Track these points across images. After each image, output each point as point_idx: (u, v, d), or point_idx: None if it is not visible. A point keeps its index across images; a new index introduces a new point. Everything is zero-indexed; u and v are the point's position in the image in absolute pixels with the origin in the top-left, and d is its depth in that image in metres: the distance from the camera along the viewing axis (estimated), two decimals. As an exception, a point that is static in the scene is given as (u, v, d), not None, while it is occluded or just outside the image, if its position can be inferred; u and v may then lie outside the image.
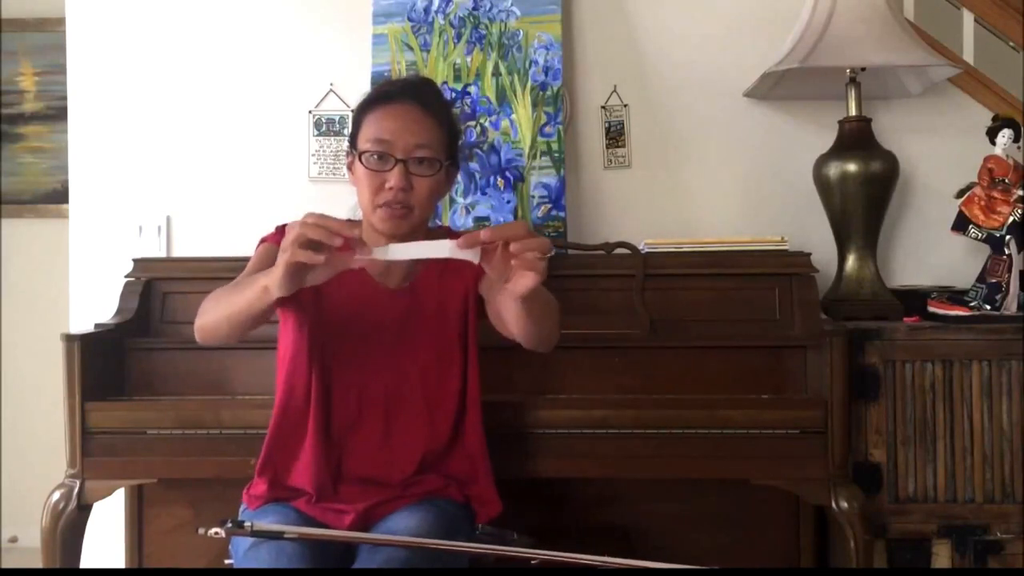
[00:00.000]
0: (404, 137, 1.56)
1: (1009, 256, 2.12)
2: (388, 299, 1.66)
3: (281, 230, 1.66)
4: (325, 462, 1.62)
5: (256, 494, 1.66)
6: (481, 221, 2.28)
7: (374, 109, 1.60)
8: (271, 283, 1.39)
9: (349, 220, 1.40)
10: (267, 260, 1.59)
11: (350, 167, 1.64)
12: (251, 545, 1.53)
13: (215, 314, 1.55)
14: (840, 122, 2.29)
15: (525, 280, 1.33)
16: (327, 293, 1.64)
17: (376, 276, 1.67)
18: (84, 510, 1.94)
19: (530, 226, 1.38)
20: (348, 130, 2.39)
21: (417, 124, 1.58)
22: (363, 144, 1.58)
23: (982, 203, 2.16)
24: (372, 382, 1.63)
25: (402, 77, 1.71)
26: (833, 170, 2.26)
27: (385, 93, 1.63)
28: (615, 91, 2.45)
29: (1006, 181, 2.14)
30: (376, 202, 1.57)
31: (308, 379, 1.63)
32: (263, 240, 1.68)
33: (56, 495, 1.93)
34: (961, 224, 2.18)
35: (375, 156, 1.56)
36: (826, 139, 2.32)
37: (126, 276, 2.19)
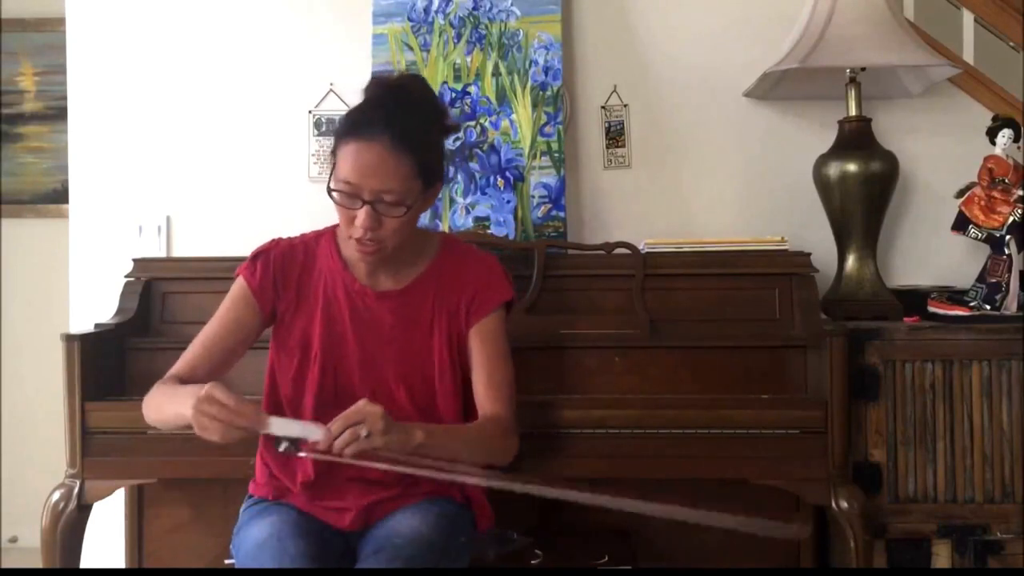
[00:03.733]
0: (370, 181, 1.52)
1: (1009, 256, 2.12)
2: (376, 302, 1.66)
3: (255, 259, 1.67)
4: (315, 464, 1.62)
5: (262, 482, 1.68)
6: (481, 221, 2.28)
7: (345, 141, 1.55)
8: (190, 422, 1.43)
9: (244, 402, 1.42)
10: (239, 299, 1.66)
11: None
12: (252, 545, 1.54)
13: (153, 415, 1.59)
14: (840, 122, 2.29)
15: None
16: (311, 293, 1.66)
17: (363, 279, 1.67)
18: (84, 510, 1.94)
19: (363, 407, 1.45)
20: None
21: (383, 166, 1.52)
22: (335, 178, 1.55)
23: (982, 203, 2.16)
24: (360, 385, 1.63)
25: (384, 83, 1.64)
26: (833, 170, 2.26)
27: (355, 125, 1.56)
28: (615, 91, 2.45)
29: (1006, 181, 2.14)
30: (349, 234, 1.57)
31: (296, 381, 1.64)
32: (238, 272, 1.69)
33: (56, 495, 1.93)
34: (961, 224, 2.18)
35: (344, 195, 1.55)
36: (826, 139, 2.32)
37: (126, 276, 2.19)
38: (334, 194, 1.56)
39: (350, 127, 1.57)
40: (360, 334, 1.65)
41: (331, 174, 1.58)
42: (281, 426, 1.43)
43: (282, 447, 1.44)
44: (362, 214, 1.53)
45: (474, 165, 2.31)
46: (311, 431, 1.42)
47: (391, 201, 1.54)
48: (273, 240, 1.72)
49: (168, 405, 1.53)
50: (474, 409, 1.69)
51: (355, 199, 1.54)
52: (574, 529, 2.06)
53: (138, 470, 1.94)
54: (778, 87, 2.35)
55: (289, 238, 1.73)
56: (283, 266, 1.67)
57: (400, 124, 1.54)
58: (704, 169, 2.46)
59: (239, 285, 1.68)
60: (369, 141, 1.53)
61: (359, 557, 1.54)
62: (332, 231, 1.72)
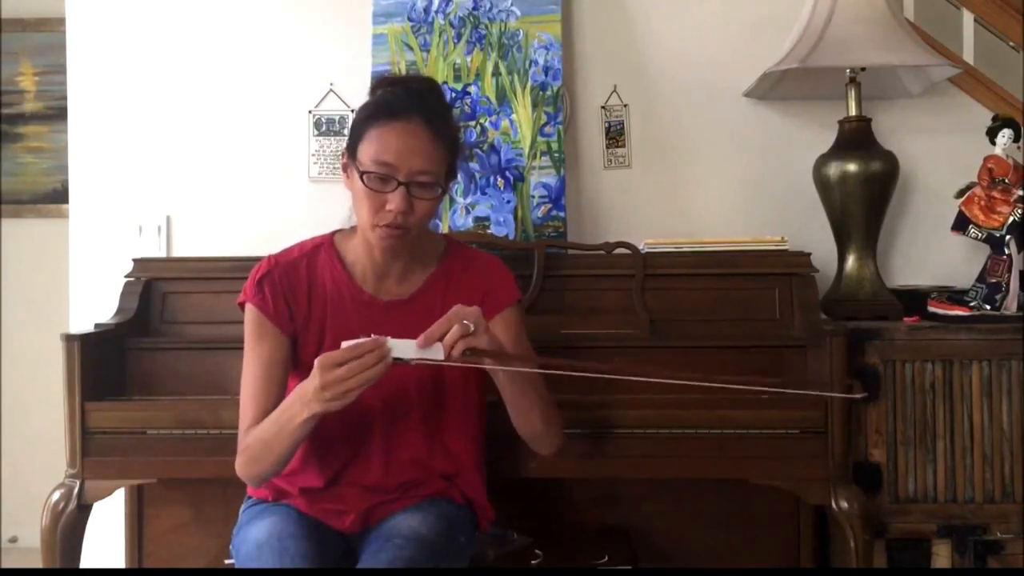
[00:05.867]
0: (408, 161, 1.52)
1: (1009, 256, 2.12)
2: (385, 310, 1.64)
3: (259, 284, 1.62)
4: (319, 472, 1.62)
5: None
6: (481, 221, 2.28)
7: (379, 123, 1.55)
8: (316, 410, 1.43)
9: (363, 342, 1.40)
10: (259, 331, 1.61)
11: (345, 170, 1.61)
12: (253, 545, 1.54)
13: (271, 463, 1.54)
14: (840, 122, 2.29)
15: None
16: (318, 307, 1.64)
17: (370, 288, 1.66)
18: (84, 510, 1.94)
19: (460, 310, 1.44)
20: (347, 129, 2.38)
21: (422, 146, 1.53)
22: (365, 162, 1.54)
23: (982, 203, 2.16)
24: (370, 397, 1.57)
25: (408, 80, 1.66)
26: (833, 170, 2.26)
27: (390, 108, 1.56)
28: (615, 91, 2.45)
29: (1006, 181, 2.14)
30: (375, 222, 1.55)
31: None
32: (241, 302, 1.64)
33: (56, 495, 1.93)
34: (961, 224, 2.18)
35: (377, 177, 1.53)
36: (826, 139, 2.32)
37: (126, 276, 2.19)
38: (365, 178, 1.53)
39: (383, 110, 1.56)
40: None
41: (350, 163, 1.58)
42: (400, 349, 1.41)
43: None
44: (397, 196, 1.52)
45: (474, 165, 2.31)
46: (424, 350, 1.41)
47: (426, 182, 1.54)
48: (269, 259, 1.66)
49: (277, 437, 1.49)
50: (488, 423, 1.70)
51: (389, 181, 1.53)
52: (574, 529, 2.06)
53: (138, 470, 1.94)
54: (778, 87, 2.36)
55: (284, 252, 1.68)
56: (291, 283, 1.63)
57: (435, 110, 1.58)
58: (704, 169, 2.46)
59: (253, 316, 1.62)
60: (407, 122, 1.54)
61: (359, 558, 1.54)
62: (328, 240, 1.69)
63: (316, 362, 1.40)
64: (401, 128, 1.54)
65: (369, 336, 1.42)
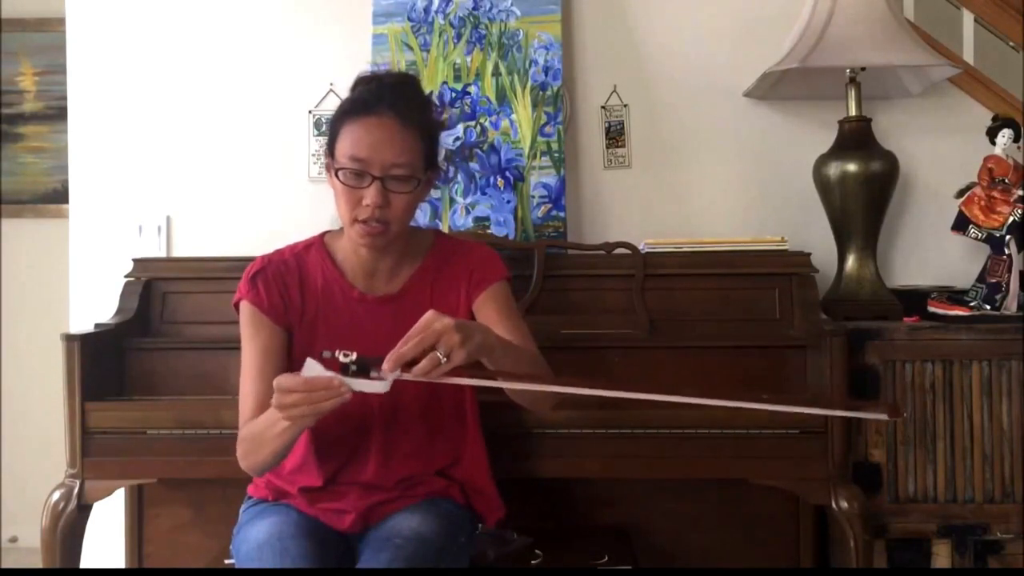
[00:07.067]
0: (381, 155, 1.53)
1: (1009, 256, 2.12)
2: (375, 307, 1.65)
3: (253, 280, 1.63)
4: (318, 471, 1.62)
5: (260, 484, 1.68)
6: (481, 221, 2.28)
7: (352, 120, 1.56)
8: (294, 424, 1.43)
9: (324, 372, 1.36)
10: (254, 326, 1.62)
11: (328, 169, 1.62)
12: (253, 545, 1.54)
13: (265, 457, 1.53)
14: (840, 122, 2.29)
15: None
16: (311, 304, 1.64)
17: (360, 285, 1.66)
18: (84, 510, 1.94)
19: (432, 322, 1.36)
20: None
21: (394, 140, 1.54)
22: (340, 159, 1.55)
23: (982, 203, 2.16)
24: (367, 396, 1.56)
25: (382, 76, 1.67)
26: (833, 170, 2.26)
27: (364, 103, 1.57)
28: (615, 91, 2.45)
29: (1006, 181, 2.14)
30: (353, 217, 1.56)
31: None
32: (236, 301, 1.65)
33: (56, 495, 1.93)
34: (961, 224, 2.18)
35: (352, 173, 1.54)
36: (826, 139, 2.32)
37: (126, 276, 2.19)
38: (340, 174, 1.54)
39: (357, 106, 1.57)
40: (362, 342, 1.62)
41: (330, 159, 1.58)
42: (357, 385, 1.36)
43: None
44: (372, 191, 1.53)
45: (474, 165, 2.31)
46: (378, 385, 1.36)
47: (400, 175, 1.54)
48: (262, 258, 1.68)
49: (269, 432, 1.48)
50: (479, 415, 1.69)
51: (364, 176, 1.53)
52: (574, 529, 2.06)
53: (138, 470, 1.94)
54: (778, 87, 2.36)
55: (277, 252, 1.69)
56: (283, 279, 1.65)
57: (407, 102, 1.58)
58: (704, 169, 2.46)
59: (248, 311, 1.63)
60: (379, 116, 1.55)
61: (359, 558, 1.54)
62: (319, 240, 1.70)
63: (274, 382, 1.38)
64: (373, 122, 1.55)
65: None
